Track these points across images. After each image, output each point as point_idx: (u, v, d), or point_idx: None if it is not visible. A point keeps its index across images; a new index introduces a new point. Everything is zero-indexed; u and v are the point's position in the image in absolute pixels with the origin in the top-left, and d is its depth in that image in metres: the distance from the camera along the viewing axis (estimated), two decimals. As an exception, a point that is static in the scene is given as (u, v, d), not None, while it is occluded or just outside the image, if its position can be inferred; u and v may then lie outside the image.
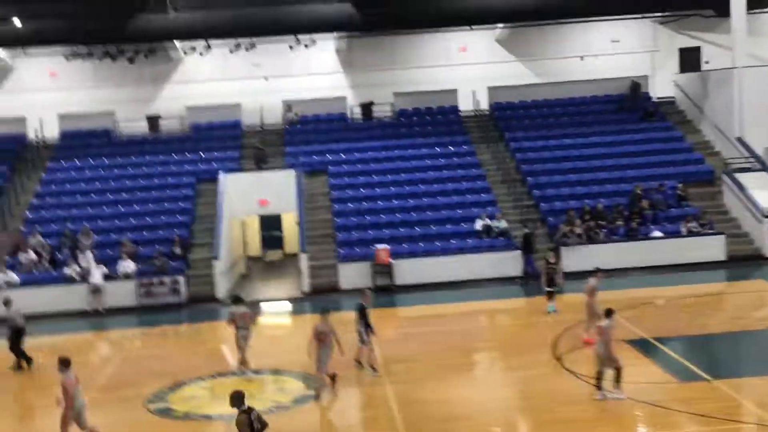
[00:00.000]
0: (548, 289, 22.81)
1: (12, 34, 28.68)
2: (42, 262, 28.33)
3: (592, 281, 19.39)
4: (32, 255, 28.36)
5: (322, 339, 16.20)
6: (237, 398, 11.45)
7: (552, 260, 23.06)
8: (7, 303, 20.95)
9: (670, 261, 27.95)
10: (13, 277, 27.43)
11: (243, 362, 18.42)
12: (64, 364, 14.35)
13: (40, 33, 28.71)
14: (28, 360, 20.38)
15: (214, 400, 17.05)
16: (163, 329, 24.22)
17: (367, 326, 17.75)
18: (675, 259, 28.03)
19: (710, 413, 14.28)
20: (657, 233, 29.04)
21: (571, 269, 27.81)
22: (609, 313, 15.53)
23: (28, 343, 23.20)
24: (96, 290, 26.93)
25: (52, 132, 35.81)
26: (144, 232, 30.06)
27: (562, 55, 38.23)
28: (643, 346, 18.61)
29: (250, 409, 11.37)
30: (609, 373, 15.26)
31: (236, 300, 19.22)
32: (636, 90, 36.26)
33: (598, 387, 15.28)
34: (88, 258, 27.62)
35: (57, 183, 33.21)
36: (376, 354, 17.97)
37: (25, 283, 27.43)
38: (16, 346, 20.38)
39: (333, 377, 16.58)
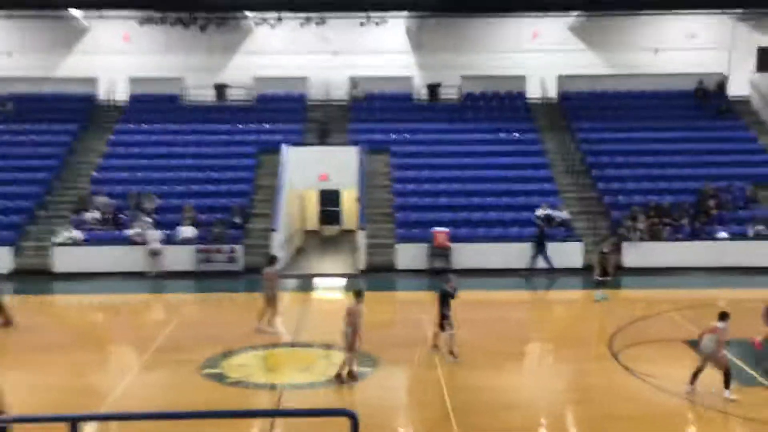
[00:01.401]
0: (599, 278, 22.71)
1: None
2: (105, 222, 28.80)
3: None
4: (96, 214, 28.86)
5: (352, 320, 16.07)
6: None
7: (606, 250, 22.84)
8: None
9: (735, 263, 27.40)
10: (76, 234, 27.96)
11: (259, 317, 19.53)
12: None
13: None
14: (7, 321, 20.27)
15: (266, 369, 17.15)
16: (219, 296, 24.45)
17: (447, 312, 17.46)
18: (740, 261, 27.48)
19: (767, 420, 13.96)
20: (723, 234, 28.42)
21: (631, 265, 27.56)
22: (724, 316, 15.16)
23: (88, 299, 23.73)
24: (154, 254, 27.29)
25: (121, 94, 36.36)
26: (205, 199, 30.38)
27: (635, 47, 37.45)
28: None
29: None
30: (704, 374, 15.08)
31: (269, 260, 20.28)
32: (721, 87, 35.57)
33: (692, 382, 15.08)
34: (147, 222, 27.98)
35: (124, 145, 33.72)
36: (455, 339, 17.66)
37: (87, 241, 27.97)
38: None
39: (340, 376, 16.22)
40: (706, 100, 35.47)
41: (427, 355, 17.70)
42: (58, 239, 27.82)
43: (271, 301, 19.63)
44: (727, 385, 14.86)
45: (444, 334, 17.57)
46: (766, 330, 18.09)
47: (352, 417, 6.81)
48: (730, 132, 34.11)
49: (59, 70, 37.15)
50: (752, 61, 37.22)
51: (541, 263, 26.91)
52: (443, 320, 17.46)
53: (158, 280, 26.75)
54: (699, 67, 36.60)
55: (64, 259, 27.41)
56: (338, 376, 15.96)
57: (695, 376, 15.15)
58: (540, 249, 26.97)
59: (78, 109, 35.75)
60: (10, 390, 15.85)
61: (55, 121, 34.70)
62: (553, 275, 26.69)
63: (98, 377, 16.83)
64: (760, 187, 30.76)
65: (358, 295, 16.40)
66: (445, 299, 17.51)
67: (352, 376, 15.98)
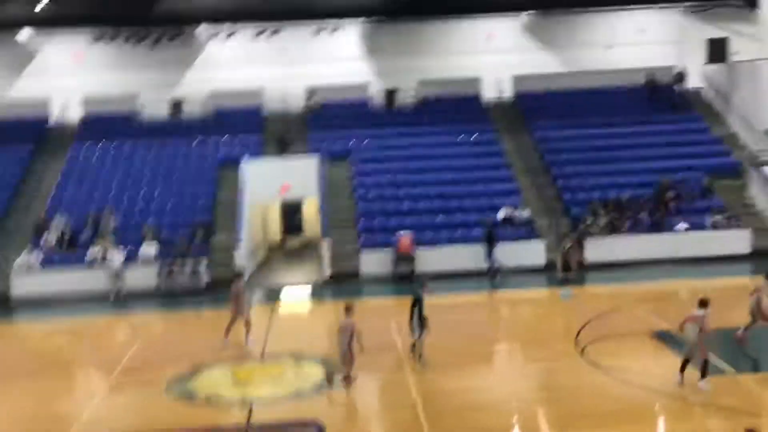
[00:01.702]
0: (562, 276, 22.79)
1: (37, 15, 28.69)
2: (64, 244, 28.42)
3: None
4: (54, 237, 28.46)
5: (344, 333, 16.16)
6: None
7: (567, 246, 22.94)
8: None
9: (695, 254, 27.68)
10: (36, 258, 27.56)
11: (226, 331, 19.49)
12: None
13: (65, 15, 28.72)
14: None
15: (235, 384, 17.02)
16: (183, 313, 24.24)
17: (420, 317, 17.61)
18: (699, 252, 27.78)
19: (732, 406, 14.12)
20: (681, 226, 28.75)
21: (593, 261, 27.79)
22: (704, 303, 15.21)
23: (49, 324, 23.42)
24: (116, 274, 26.97)
25: (75, 114, 35.93)
26: (166, 217, 30.10)
27: (588, 44, 37.82)
28: (666, 338, 18.42)
29: None
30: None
31: (235, 275, 20.57)
32: (680, 80, 36.06)
33: (681, 371, 15.25)
34: (108, 241, 27.63)
35: (80, 165, 33.30)
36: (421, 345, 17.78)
37: (47, 265, 27.58)
38: None
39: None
40: (656, 94, 35.88)
41: (395, 361, 17.69)
42: (17, 264, 27.39)
43: (241, 316, 19.50)
44: (703, 374, 15.01)
45: (417, 338, 17.63)
46: (745, 320, 18.22)
47: (319, 428, 6.77)
48: (684, 124, 34.55)
49: (10, 93, 36.61)
50: (702, 53, 37.72)
51: (491, 262, 26.98)
52: (420, 323, 17.52)
53: (120, 300, 26.45)
54: (651, 61, 37.04)
55: (23, 284, 26.99)
56: (329, 380, 16.15)
57: (684, 367, 15.25)
58: (489, 249, 27.15)
59: (31, 131, 35.26)
60: (-27, 420, 15.61)
61: (8, 145, 34.17)
62: (503, 275, 26.69)
63: (64, 403, 16.60)
64: (716, 177, 31.17)
65: (349, 309, 16.26)
66: (418, 303, 17.59)
67: (348, 381, 16.09)
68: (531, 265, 27.43)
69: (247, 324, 19.58)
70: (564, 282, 23.17)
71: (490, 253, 27.12)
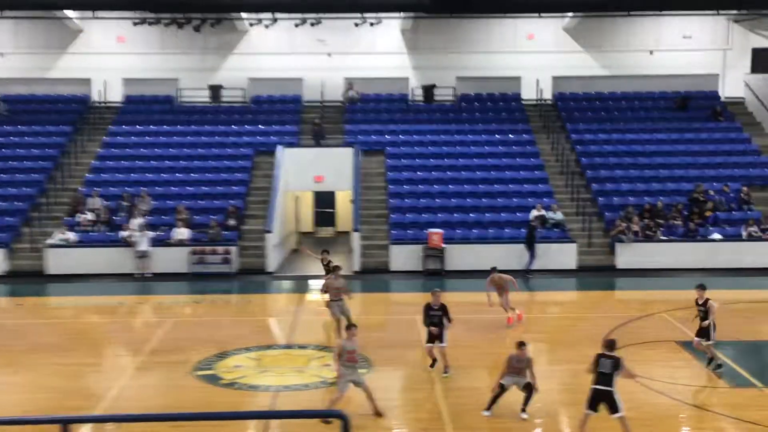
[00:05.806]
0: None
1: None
2: (99, 224, 28.77)
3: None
4: (90, 216, 28.83)
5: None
6: None
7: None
8: None
9: (728, 264, 27.47)
10: (70, 236, 27.94)
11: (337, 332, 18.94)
12: None
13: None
14: None
15: (261, 371, 17.16)
16: (213, 298, 24.45)
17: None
18: (733, 262, 27.57)
19: (759, 421, 13.98)
20: (716, 235, 28.48)
21: (625, 266, 27.64)
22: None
23: (81, 302, 23.72)
24: (142, 255, 27.26)
25: (115, 95, 36.33)
26: (200, 201, 30.37)
27: (630, 48, 37.46)
28: (693, 347, 18.24)
29: None
30: None
31: (333, 268, 20.18)
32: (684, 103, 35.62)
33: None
34: (137, 223, 27.92)
35: (118, 146, 33.69)
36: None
37: (81, 243, 27.95)
38: None
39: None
40: (685, 109, 35.42)
41: (421, 357, 17.70)
42: (52, 241, 27.79)
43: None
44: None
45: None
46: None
47: (344, 418, 6.84)
48: (724, 133, 34.18)
49: (53, 72, 37.08)
50: (747, 61, 37.28)
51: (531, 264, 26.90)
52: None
53: (146, 281, 26.74)
54: (694, 68, 36.65)
55: (57, 261, 27.40)
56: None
57: None
58: (531, 250, 27.09)
59: (72, 111, 35.77)
60: (3, 391, 15.88)
61: (48, 123, 34.69)
62: (534, 276, 26.65)
63: (92, 379, 16.83)
64: (755, 188, 30.85)
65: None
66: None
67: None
68: (561, 267, 27.35)
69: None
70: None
71: (531, 254, 27.08)
